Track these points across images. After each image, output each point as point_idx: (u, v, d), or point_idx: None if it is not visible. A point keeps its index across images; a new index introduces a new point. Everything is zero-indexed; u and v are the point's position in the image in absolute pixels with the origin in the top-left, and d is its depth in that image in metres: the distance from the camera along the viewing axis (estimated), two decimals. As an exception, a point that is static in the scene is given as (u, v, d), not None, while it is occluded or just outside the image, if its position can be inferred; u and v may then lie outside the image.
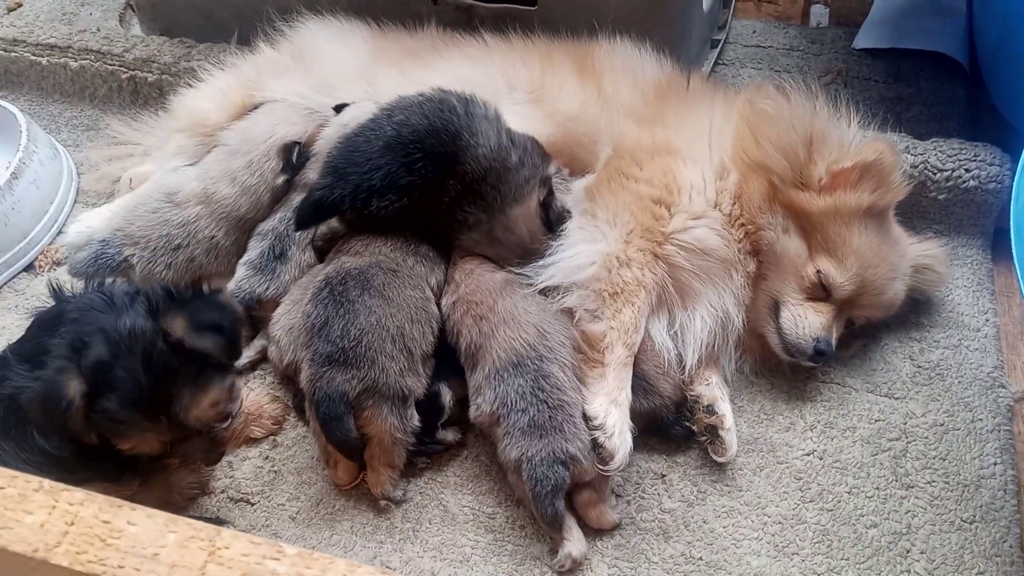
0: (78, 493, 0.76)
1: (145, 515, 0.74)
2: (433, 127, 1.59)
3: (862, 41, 2.39)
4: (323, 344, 1.47)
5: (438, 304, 1.62)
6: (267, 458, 1.62)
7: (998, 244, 1.90)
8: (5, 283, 1.96)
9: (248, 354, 1.73)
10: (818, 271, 1.60)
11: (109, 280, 1.62)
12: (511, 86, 1.81)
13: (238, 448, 1.63)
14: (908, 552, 1.45)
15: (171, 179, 1.88)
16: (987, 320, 1.77)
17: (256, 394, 1.69)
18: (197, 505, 1.57)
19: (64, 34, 2.34)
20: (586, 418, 1.47)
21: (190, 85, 2.07)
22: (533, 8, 1.98)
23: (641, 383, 1.56)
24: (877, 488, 1.53)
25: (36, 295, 1.90)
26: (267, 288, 1.70)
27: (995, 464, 1.55)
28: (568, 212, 1.66)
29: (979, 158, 1.85)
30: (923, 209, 1.89)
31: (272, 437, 1.65)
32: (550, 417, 1.42)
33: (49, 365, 1.23)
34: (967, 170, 1.84)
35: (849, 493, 1.53)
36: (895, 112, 2.15)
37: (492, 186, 1.59)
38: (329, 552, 1.32)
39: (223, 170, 1.82)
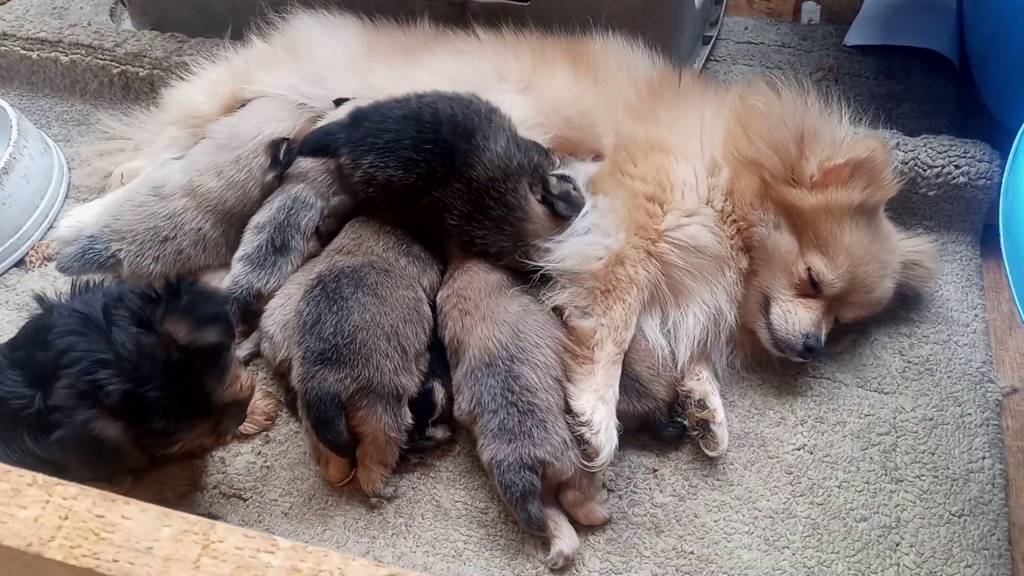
0: (72, 488, 0.77)
1: (139, 509, 0.75)
2: (454, 117, 1.61)
3: (853, 38, 2.40)
4: (315, 342, 1.47)
5: (432, 305, 1.63)
6: (259, 453, 1.62)
7: (987, 240, 1.91)
8: (-4, 278, 1.95)
9: (247, 346, 1.73)
10: (808, 268, 1.61)
11: (95, 277, 1.61)
12: (501, 78, 1.81)
13: (230, 444, 1.63)
14: (898, 545, 1.46)
15: (158, 173, 1.87)
16: (976, 315, 1.78)
17: (248, 390, 1.69)
18: (190, 501, 1.57)
19: (54, 28, 2.33)
20: (573, 414, 1.47)
21: (182, 79, 2.06)
22: (526, 4, 1.98)
23: (635, 385, 1.57)
24: (867, 482, 1.54)
25: (27, 291, 1.89)
26: (267, 282, 1.69)
27: (984, 458, 1.56)
28: (577, 191, 1.65)
29: (969, 154, 1.85)
30: (913, 205, 1.90)
31: (264, 433, 1.65)
32: (519, 422, 1.43)
33: (66, 415, 1.21)
34: (957, 166, 1.85)
35: (839, 487, 1.54)
36: (886, 109, 2.16)
37: (496, 199, 1.59)
38: (322, 547, 1.32)
39: (209, 163, 1.81)
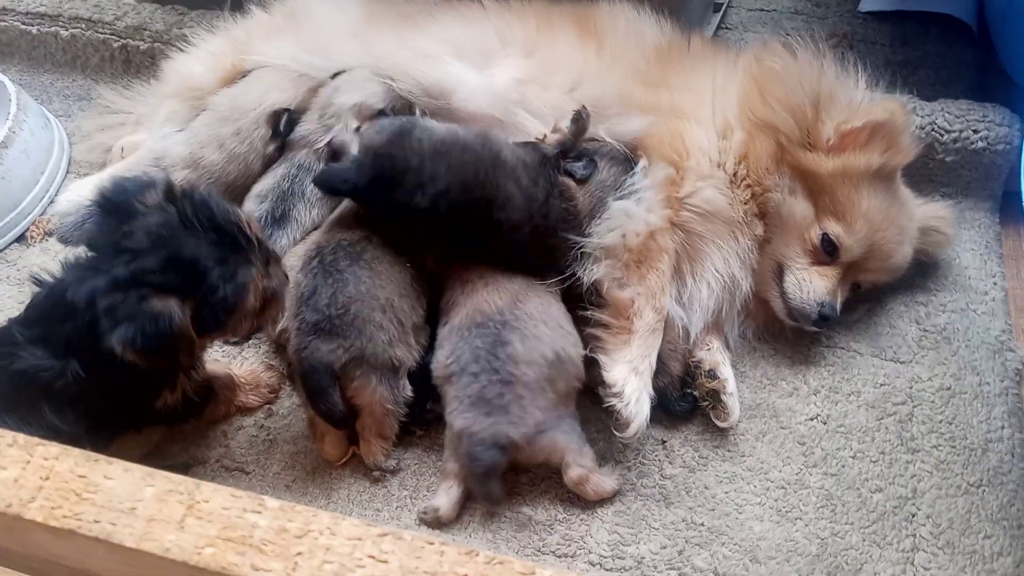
0: (53, 447, 0.74)
1: (122, 469, 0.72)
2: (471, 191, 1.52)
3: (868, 4, 2.33)
4: (310, 313, 1.45)
5: (431, 278, 1.59)
6: (262, 427, 1.60)
7: (1007, 207, 1.86)
8: (-4, 253, 1.93)
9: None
10: (824, 233, 1.57)
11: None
12: (505, 43, 1.77)
13: (233, 417, 1.61)
14: (914, 516, 1.43)
15: (159, 145, 1.85)
16: (995, 284, 1.74)
17: (251, 363, 1.67)
18: (192, 475, 1.55)
19: (54, 2, 2.30)
20: (605, 385, 1.44)
21: (182, 51, 2.03)
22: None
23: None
24: (882, 452, 1.50)
25: (28, 266, 1.87)
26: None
27: (1003, 428, 1.52)
28: (587, 157, 1.62)
29: (988, 119, 1.80)
30: (930, 172, 1.85)
31: (267, 406, 1.63)
32: (499, 393, 1.40)
33: (121, 305, 1.19)
34: (975, 131, 1.80)
35: (854, 458, 1.50)
36: (902, 76, 2.08)
37: (547, 225, 1.55)
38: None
39: (211, 135, 1.78)
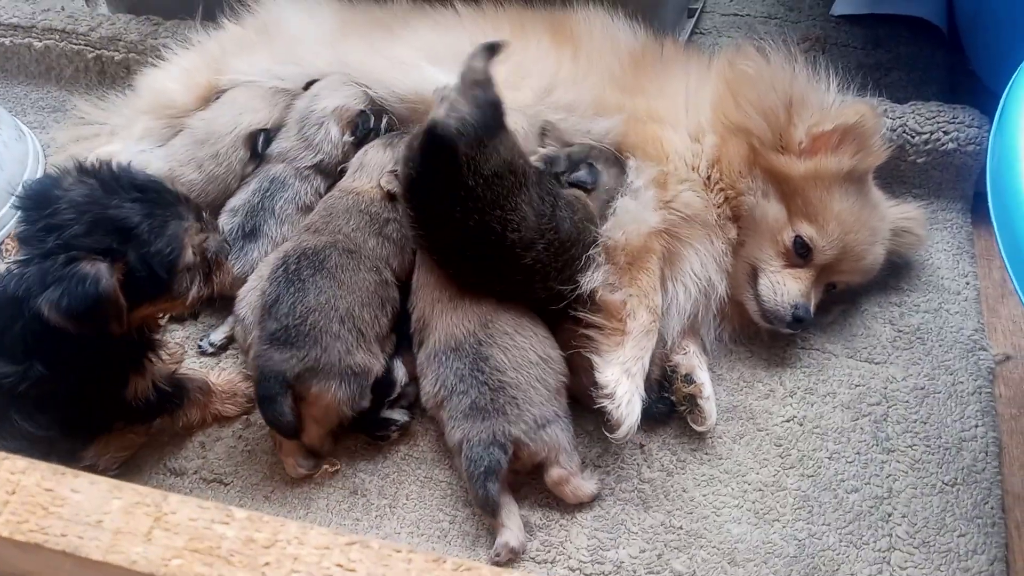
0: (20, 462, 0.73)
1: (88, 482, 0.72)
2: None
3: (840, 8, 2.36)
4: (270, 322, 1.46)
5: (402, 287, 1.59)
6: (240, 437, 1.59)
7: (978, 207, 1.88)
8: (-30, 267, 1.91)
9: (222, 330, 1.70)
10: (797, 236, 1.58)
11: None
12: (479, 50, 1.77)
13: (210, 427, 1.60)
14: (890, 516, 1.44)
15: (139, 158, 1.83)
16: (968, 283, 1.75)
17: (228, 373, 1.66)
18: (169, 487, 1.54)
19: (27, 13, 2.29)
20: (597, 386, 1.44)
21: (155, 66, 2.03)
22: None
23: None
24: (858, 453, 1.51)
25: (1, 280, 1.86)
26: (233, 267, 1.64)
27: (976, 426, 1.54)
28: (585, 165, 1.62)
29: (958, 120, 1.82)
30: (902, 173, 1.87)
31: (245, 416, 1.62)
32: (492, 399, 1.40)
33: (51, 270, 1.18)
34: (946, 132, 1.82)
35: (830, 458, 1.51)
36: (874, 78, 2.11)
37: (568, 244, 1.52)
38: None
39: (189, 157, 1.80)
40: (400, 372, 1.54)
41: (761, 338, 1.68)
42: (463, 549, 1.42)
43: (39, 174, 2.08)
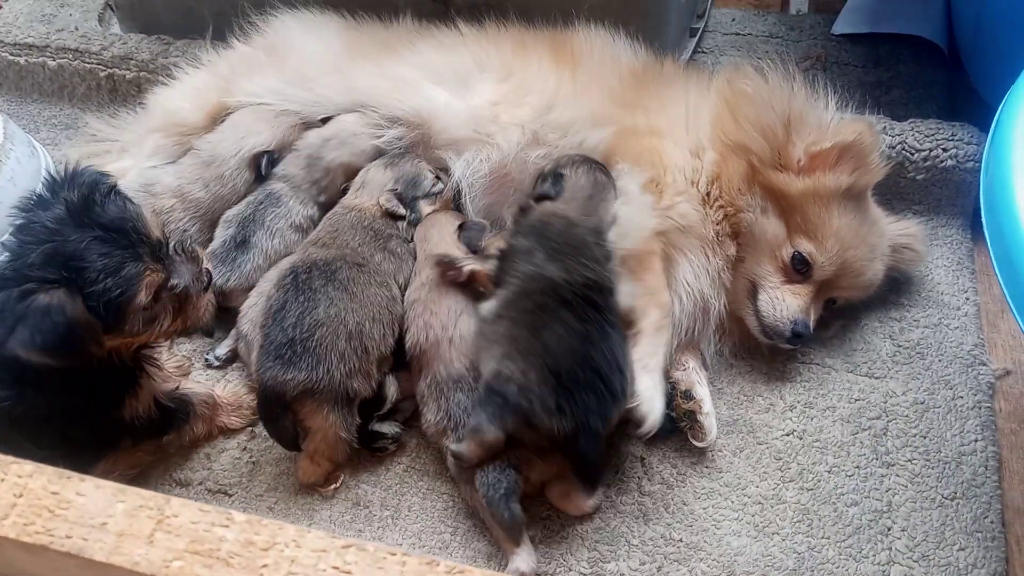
0: (27, 466, 0.76)
1: (94, 486, 0.74)
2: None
3: (841, 26, 2.39)
4: (275, 330, 1.46)
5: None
6: (245, 449, 1.61)
7: (977, 223, 1.87)
8: (-18, 282, 1.94)
9: (226, 344, 1.72)
10: (796, 252, 1.60)
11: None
12: (482, 69, 1.80)
13: (215, 439, 1.62)
14: (889, 530, 1.44)
15: (150, 173, 1.89)
16: (967, 299, 1.76)
17: (234, 385, 1.68)
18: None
19: (41, 33, 2.33)
20: None
21: (166, 84, 2.07)
22: (509, -3, 1.98)
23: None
24: (857, 467, 1.52)
25: None
26: (228, 279, 1.68)
27: (976, 441, 1.54)
28: (551, 176, 1.62)
29: (956, 137, 1.84)
30: (902, 190, 1.88)
31: (250, 428, 1.64)
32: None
33: (13, 303, 1.15)
34: (944, 149, 1.83)
35: (829, 472, 1.52)
36: (874, 96, 2.14)
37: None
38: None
39: (196, 176, 1.83)
40: (392, 388, 1.55)
41: (761, 352, 1.69)
42: (465, 560, 1.43)
43: (51, 190, 2.11)
